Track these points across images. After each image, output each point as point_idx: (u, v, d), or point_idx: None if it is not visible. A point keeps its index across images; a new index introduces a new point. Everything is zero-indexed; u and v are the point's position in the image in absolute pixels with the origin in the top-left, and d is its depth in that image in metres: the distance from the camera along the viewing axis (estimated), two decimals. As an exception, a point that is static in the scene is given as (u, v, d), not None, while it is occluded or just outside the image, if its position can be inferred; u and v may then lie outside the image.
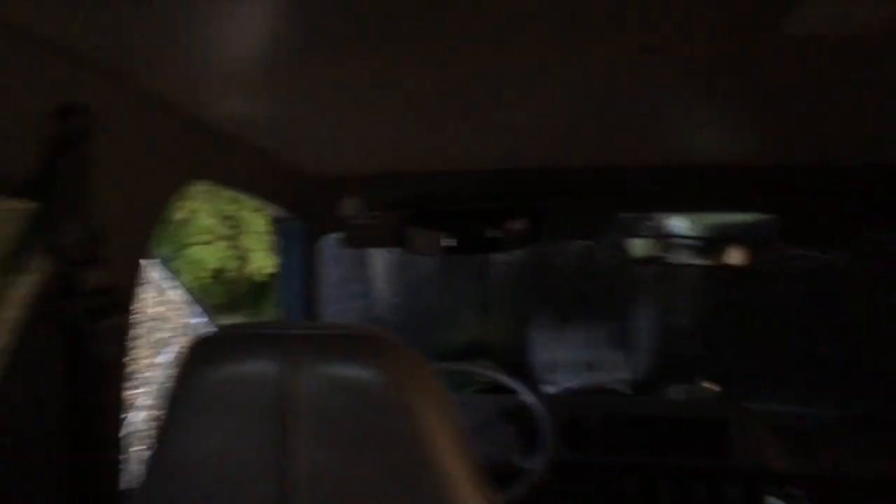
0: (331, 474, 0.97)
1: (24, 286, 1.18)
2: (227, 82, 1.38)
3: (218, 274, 10.61)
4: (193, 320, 6.60)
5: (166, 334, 6.29)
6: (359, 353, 0.98)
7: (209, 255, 10.42)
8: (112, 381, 1.36)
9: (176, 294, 6.49)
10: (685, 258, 2.12)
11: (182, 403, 1.02)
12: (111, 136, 1.23)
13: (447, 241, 2.10)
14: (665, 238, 2.13)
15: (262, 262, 11.29)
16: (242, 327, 1.17)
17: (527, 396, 2.11)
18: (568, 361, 2.43)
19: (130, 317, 1.40)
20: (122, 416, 1.47)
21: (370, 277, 2.39)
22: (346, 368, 0.97)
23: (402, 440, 0.96)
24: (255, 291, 11.73)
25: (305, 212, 2.13)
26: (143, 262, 1.42)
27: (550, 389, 2.42)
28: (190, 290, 6.70)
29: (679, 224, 2.13)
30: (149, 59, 1.22)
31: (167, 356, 6.23)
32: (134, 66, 1.24)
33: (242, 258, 10.98)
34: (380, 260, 2.38)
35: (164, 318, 6.21)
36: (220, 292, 10.40)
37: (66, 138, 1.11)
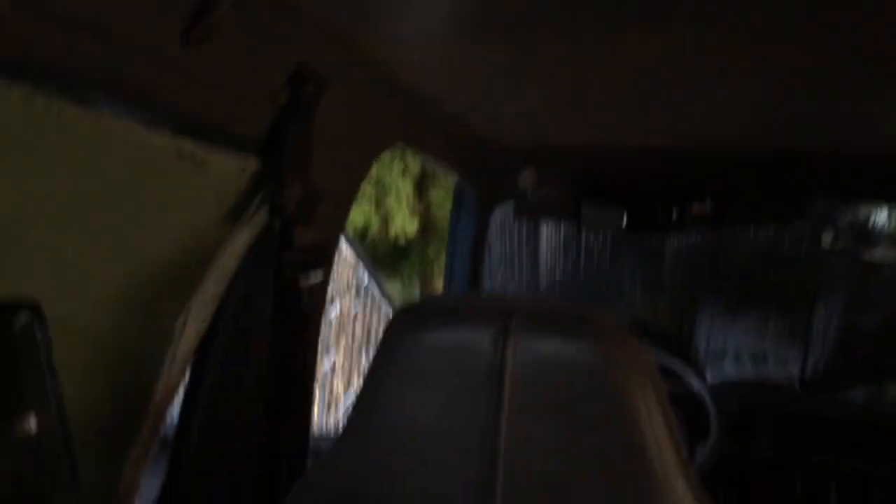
0: (539, 451, 0.97)
1: (244, 239, 1.24)
2: (432, 47, 1.40)
3: (362, 233, 10.94)
4: (362, 278, 6.83)
5: (338, 289, 6.55)
6: (575, 331, 0.97)
7: (356, 215, 10.75)
8: (310, 333, 1.43)
9: (347, 251, 6.74)
10: (881, 254, 1.98)
11: (390, 367, 1.04)
12: (328, 99, 1.27)
13: (624, 219, 2.06)
14: (860, 231, 1.99)
15: (403, 225, 11.55)
16: (454, 297, 1.19)
17: (695, 384, 2.05)
18: (736, 351, 2.34)
19: (329, 274, 1.46)
20: (314, 365, 1.54)
21: (536, 251, 2.37)
22: (562, 346, 0.96)
23: (614, 424, 0.95)
24: (394, 253, 12.04)
25: (483, 180, 2.14)
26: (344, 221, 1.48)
27: (714, 378, 2.33)
28: (359, 249, 6.93)
29: (878, 217, 1.98)
30: (368, 22, 1.25)
31: (336, 311, 6.50)
32: (355, 29, 1.27)
33: (385, 220, 11.26)
34: (547, 233, 2.36)
35: (337, 276, 6.47)
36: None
37: (298, 101, 1.15)
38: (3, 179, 0.85)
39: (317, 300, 1.43)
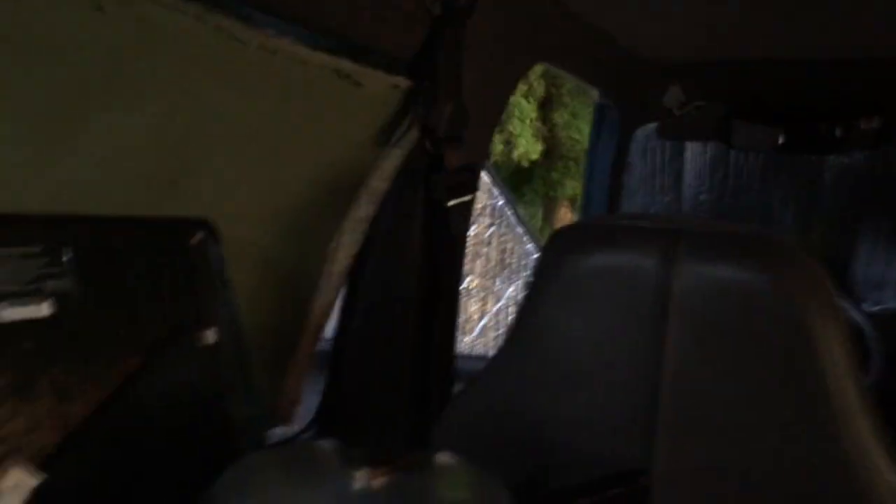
0: (706, 378, 0.94)
1: (395, 159, 1.24)
2: None
3: (485, 156, 10.88)
4: (496, 200, 6.80)
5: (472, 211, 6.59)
6: (747, 256, 0.92)
7: (480, 138, 10.67)
8: (457, 253, 1.43)
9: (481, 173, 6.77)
10: None
11: (549, 288, 1.03)
12: (476, 14, 1.23)
13: (780, 138, 1.93)
14: None
15: (527, 148, 11.40)
16: (620, 218, 1.15)
17: (855, 313, 1.93)
18: (898, 280, 2.18)
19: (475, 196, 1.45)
20: (459, 288, 1.55)
21: (680, 173, 2.27)
22: (732, 270, 0.92)
23: (791, 352, 0.90)
24: (517, 176, 11.95)
25: (626, 98, 2.05)
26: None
27: (872, 308, 2.19)
28: (493, 171, 6.88)
29: None
30: None
31: (471, 234, 6.56)
32: None
33: (509, 143, 11.15)
34: (692, 154, 2.25)
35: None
36: (485, 174, 10.69)
37: (450, 17, 1.12)
38: (181, 105, 0.87)
39: (463, 222, 1.42)
